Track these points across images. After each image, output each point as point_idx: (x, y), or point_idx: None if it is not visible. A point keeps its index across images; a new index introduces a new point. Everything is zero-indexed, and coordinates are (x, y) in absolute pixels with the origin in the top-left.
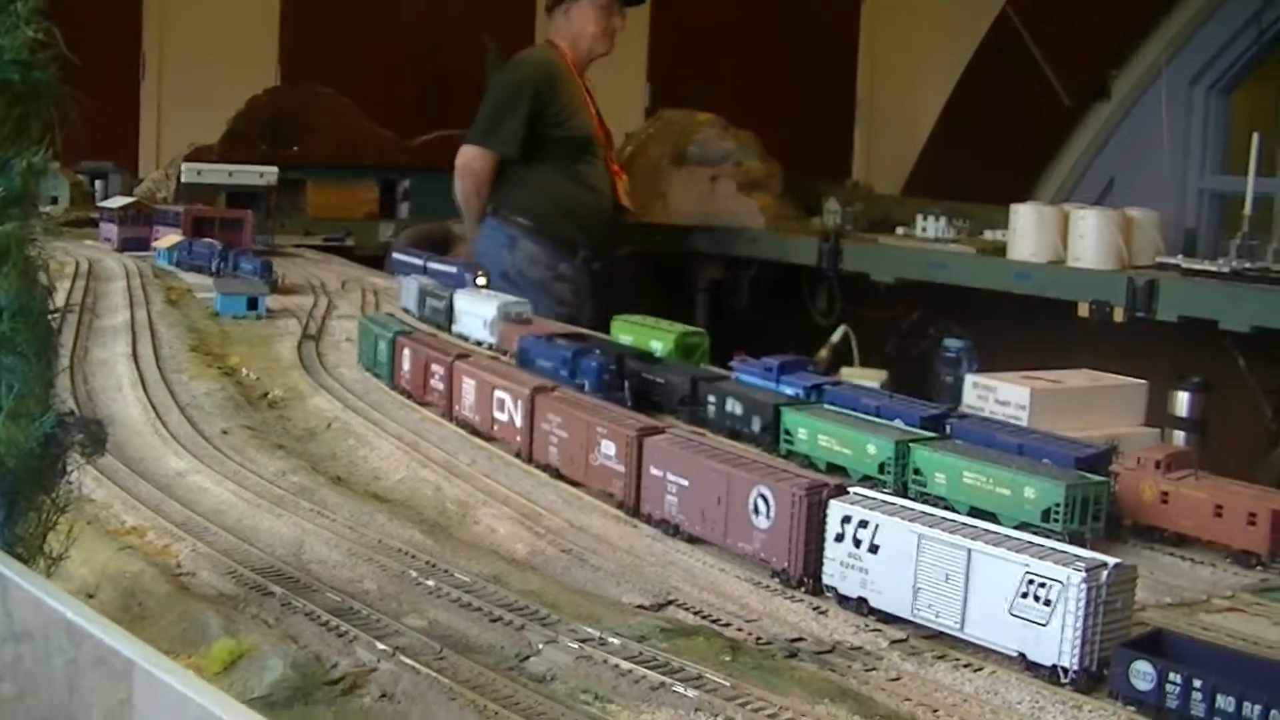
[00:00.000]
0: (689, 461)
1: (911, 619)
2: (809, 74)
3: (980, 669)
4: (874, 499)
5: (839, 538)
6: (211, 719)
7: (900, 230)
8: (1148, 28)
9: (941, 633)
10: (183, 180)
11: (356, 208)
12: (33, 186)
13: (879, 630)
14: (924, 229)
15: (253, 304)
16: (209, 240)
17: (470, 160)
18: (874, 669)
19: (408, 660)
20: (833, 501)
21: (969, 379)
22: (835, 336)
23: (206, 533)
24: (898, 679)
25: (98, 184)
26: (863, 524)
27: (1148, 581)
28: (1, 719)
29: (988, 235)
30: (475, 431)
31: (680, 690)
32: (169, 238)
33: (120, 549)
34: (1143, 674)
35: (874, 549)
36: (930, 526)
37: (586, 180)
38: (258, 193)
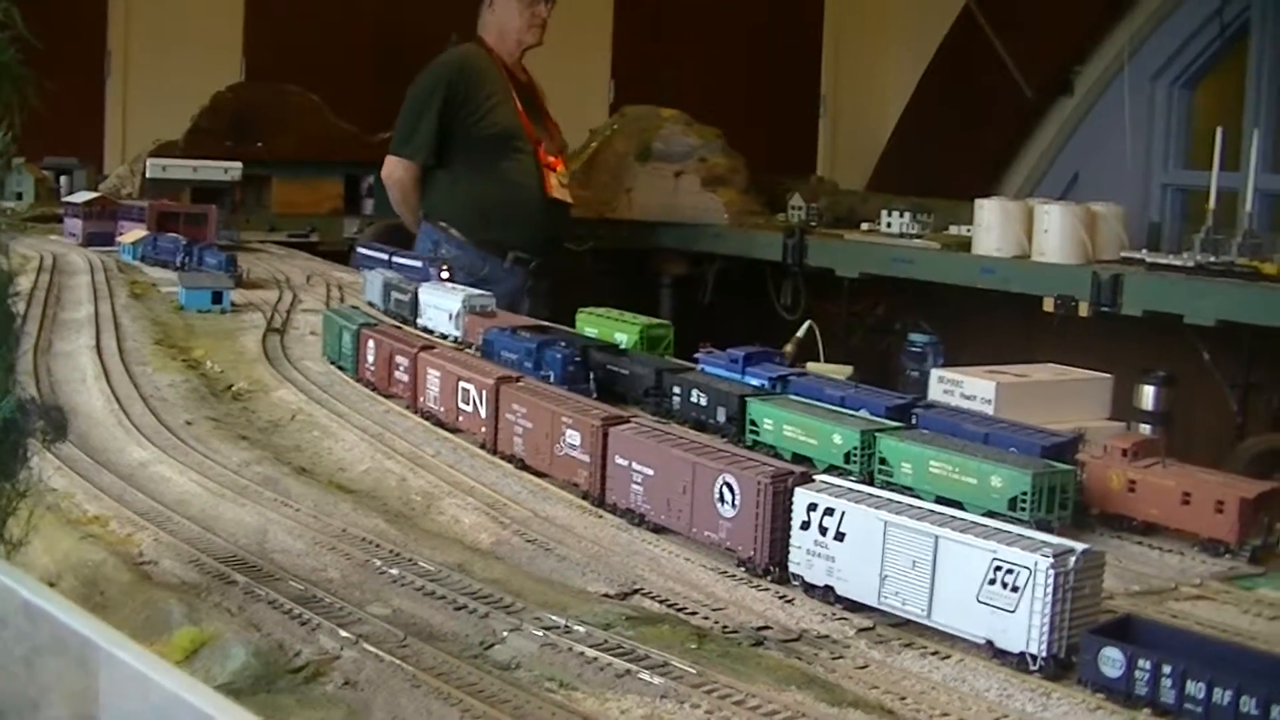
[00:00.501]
0: (654, 451)
1: (878, 607)
2: (773, 70)
3: (948, 657)
4: (840, 486)
5: (805, 525)
6: (177, 702)
7: (865, 226)
8: (1110, 23)
9: (909, 620)
10: (148, 176)
11: (321, 203)
12: None
13: (845, 618)
14: (889, 224)
15: (217, 298)
16: (174, 235)
17: (392, 170)
18: (841, 657)
19: (371, 648)
20: (798, 489)
21: (934, 373)
22: (800, 331)
23: (169, 522)
24: (865, 667)
25: (62, 180)
26: (829, 511)
27: (1116, 570)
28: None
29: (952, 230)
30: (440, 423)
31: (646, 677)
32: (134, 233)
33: (82, 538)
34: (1112, 660)
35: (840, 536)
36: (897, 513)
37: (509, 177)
38: (222, 188)
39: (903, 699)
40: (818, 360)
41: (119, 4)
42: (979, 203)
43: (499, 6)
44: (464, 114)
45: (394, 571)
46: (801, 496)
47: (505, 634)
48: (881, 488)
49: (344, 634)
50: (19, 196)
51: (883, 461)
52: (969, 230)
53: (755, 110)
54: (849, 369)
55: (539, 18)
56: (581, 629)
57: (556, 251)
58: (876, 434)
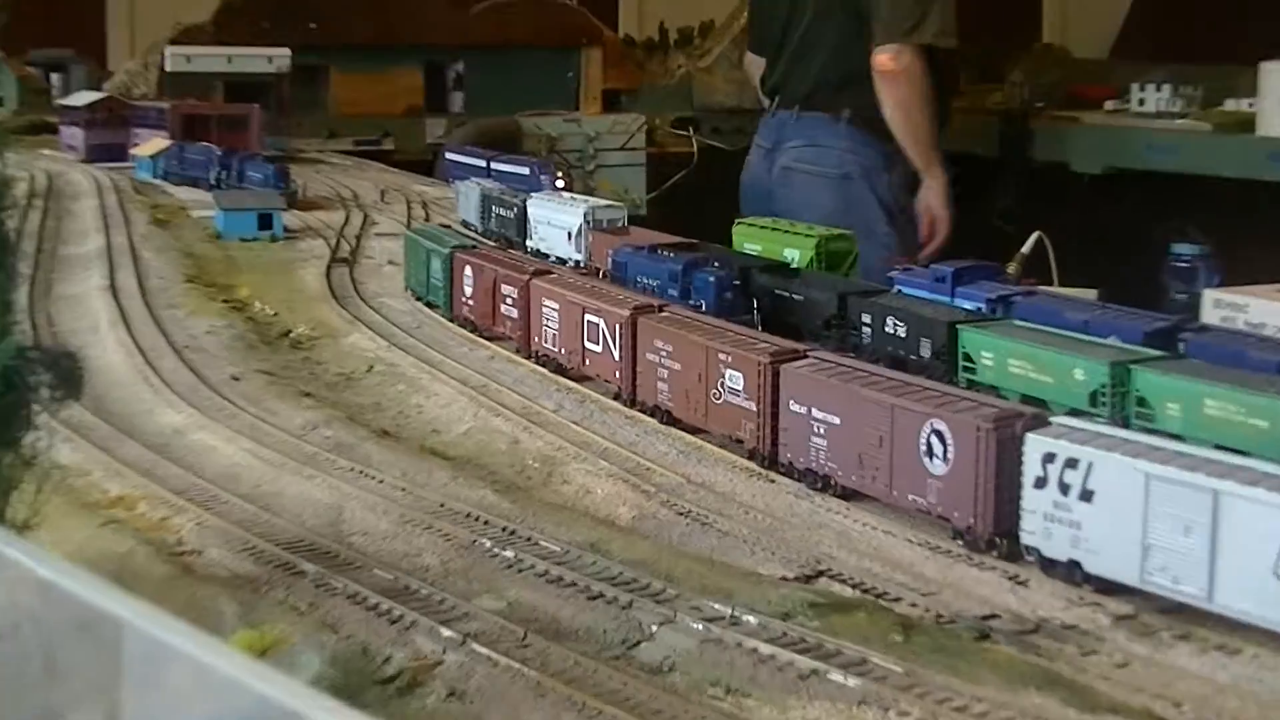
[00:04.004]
0: (840, 393)
1: (1141, 587)
2: None
3: (1238, 651)
4: (1085, 430)
5: (1040, 483)
6: (231, 686)
7: (1109, 104)
8: None
9: (1183, 605)
10: (168, 70)
11: (395, 101)
12: None
13: (1098, 604)
14: (1141, 101)
15: (265, 222)
16: (205, 144)
17: (909, 63)
18: (1093, 652)
19: (482, 649)
20: (1030, 435)
21: (1208, 295)
22: (1026, 246)
23: (215, 501)
24: (1125, 665)
25: (55, 79)
26: (1071, 463)
27: None
28: None
29: (1228, 106)
30: (560, 369)
31: (838, 679)
32: (152, 143)
33: (103, 524)
34: None
35: (1087, 496)
36: (1163, 463)
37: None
38: (266, 83)
39: (1178, 705)
40: (1050, 283)
41: None
42: (1265, 67)
43: None
44: None
45: (508, 554)
46: (1035, 444)
47: (654, 628)
48: (1142, 434)
49: (447, 633)
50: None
51: (1141, 403)
52: (1251, 105)
53: None
54: (1093, 294)
55: None
56: (753, 619)
57: None
58: (1132, 367)
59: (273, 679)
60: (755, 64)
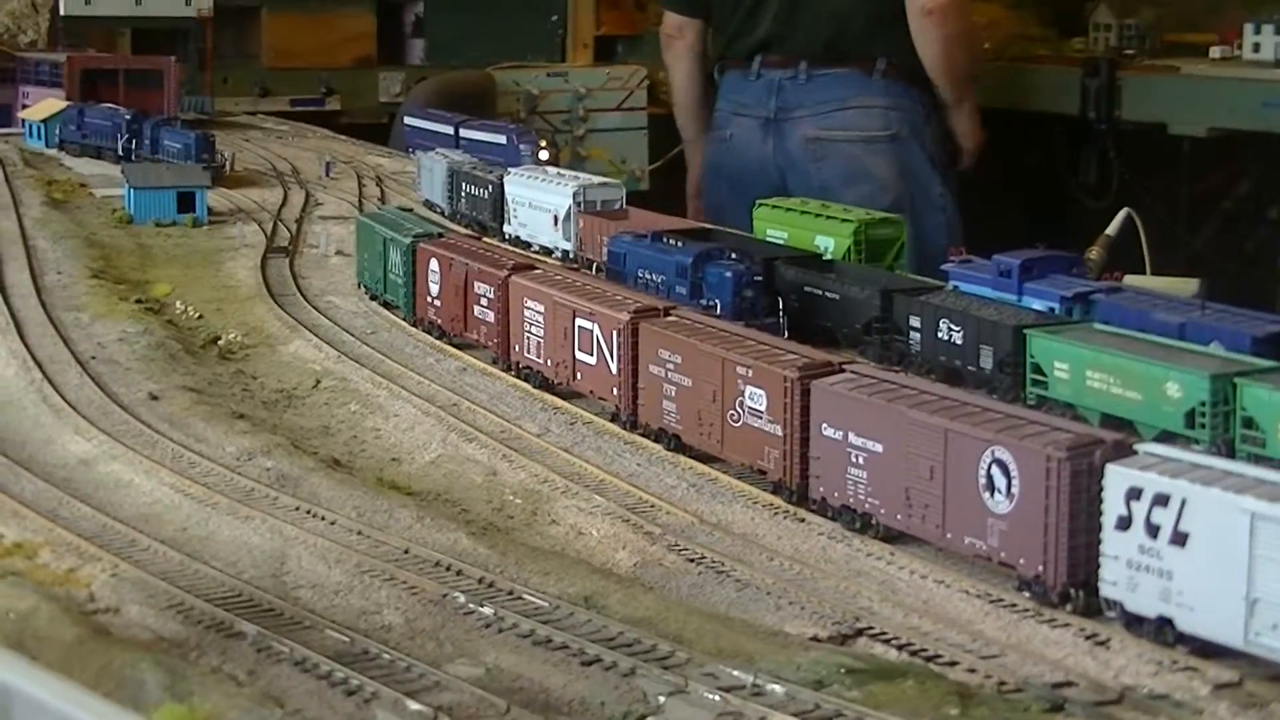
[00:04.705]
0: (883, 414)
1: (1246, 649)
2: None
3: None
4: (1178, 461)
5: (1124, 523)
6: None
7: (1216, 51)
8: None
9: None
10: (62, 12)
11: (341, 50)
12: None
13: (1194, 669)
14: (1256, 46)
15: (186, 203)
16: (109, 106)
17: None
18: None
19: None
20: (1112, 466)
21: None
22: (1112, 226)
23: (133, 548)
24: None
25: None
26: (1161, 500)
27: None
28: None
29: None
30: (546, 384)
31: None
32: (45, 104)
33: None
34: None
35: (1181, 539)
36: (1273, 500)
37: None
38: (184, 29)
39: None
40: (1142, 271)
41: None
42: None
43: None
44: None
45: (486, 611)
46: (1118, 477)
47: (661, 699)
48: (1248, 464)
49: (414, 706)
50: None
51: (1249, 424)
52: None
53: None
54: (1194, 283)
55: None
56: (779, 689)
57: None
58: (1238, 380)
59: None
60: (679, 27)
